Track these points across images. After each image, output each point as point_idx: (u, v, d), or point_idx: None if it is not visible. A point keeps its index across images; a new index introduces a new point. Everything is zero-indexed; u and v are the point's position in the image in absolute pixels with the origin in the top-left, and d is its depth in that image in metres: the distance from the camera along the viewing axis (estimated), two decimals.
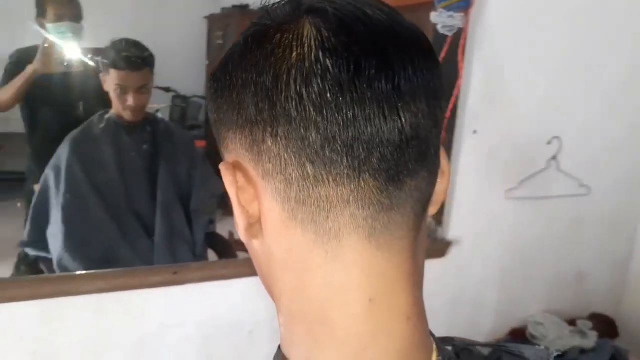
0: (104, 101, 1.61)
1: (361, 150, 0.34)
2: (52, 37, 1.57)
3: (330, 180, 0.34)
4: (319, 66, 0.33)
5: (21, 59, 1.60)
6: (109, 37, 1.58)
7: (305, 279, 0.37)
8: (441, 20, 1.40)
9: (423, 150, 0.36)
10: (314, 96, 0.33)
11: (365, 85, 0.33)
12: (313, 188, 0.35)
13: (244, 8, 3.69)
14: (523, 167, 1.59)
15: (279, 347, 0.41)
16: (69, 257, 1.52)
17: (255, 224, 0.38)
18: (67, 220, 1.55)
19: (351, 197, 0.35)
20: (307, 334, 0.38)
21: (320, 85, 0.33)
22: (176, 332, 1.21)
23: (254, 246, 0.41)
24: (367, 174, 0.34)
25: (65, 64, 1.64)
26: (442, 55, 1.42)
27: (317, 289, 0.37)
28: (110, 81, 1.57)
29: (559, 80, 1.56)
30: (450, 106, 1.42)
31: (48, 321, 1.11)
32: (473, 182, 1.56)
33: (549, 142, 1.58)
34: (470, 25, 1.43)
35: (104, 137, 1.63)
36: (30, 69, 1.56)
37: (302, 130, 0.34)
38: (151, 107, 1.72)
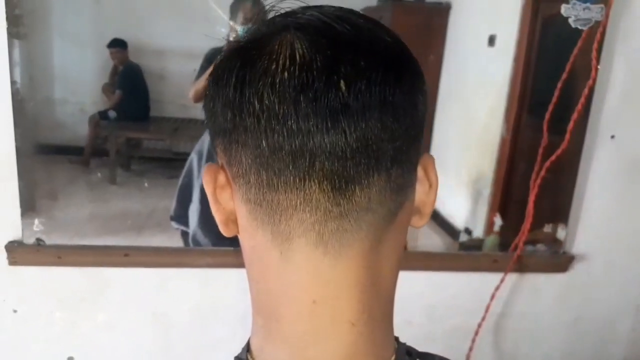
0: None
1: (305, 160, 0.35)
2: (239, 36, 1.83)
3: (280, 186, 0.37)
4: (271, 80, 0.36)
5: (214, 55, 1.87)
6: None
7: (264, 275, 0.41)
8: (574, 12, 1.26)
9: (373, 163, 0.36)
10: (264, 108, 0.36)
11: (310, 99, 0.35)
12: (267, 193, 0.37)
13: (398, 0, 3.70)
14: None
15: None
16: (202, 233, 1.72)
17: (235, 221, 0.42)
18: (203, 200, 1.74)
19: (298, 203, 0.37)
20: (263, 325, 0.41)
21: (271, 98, 0.35)
22: None
23: (239, 240, 0.45)
24: (313, 182, 0.36)
25: None
26: (575, 52, 1.29)
27: (272, 286, 0.40)
28: None
29: None
30: (579, 107, 1.28)
31: (165, 287, 1.28)
32: (608, 192, 1.40)
33: None
34: (611, 18, 1.27)
35: None
36: (217, 61, 1.83)
37: (256, 139, 0.36)
38: None
